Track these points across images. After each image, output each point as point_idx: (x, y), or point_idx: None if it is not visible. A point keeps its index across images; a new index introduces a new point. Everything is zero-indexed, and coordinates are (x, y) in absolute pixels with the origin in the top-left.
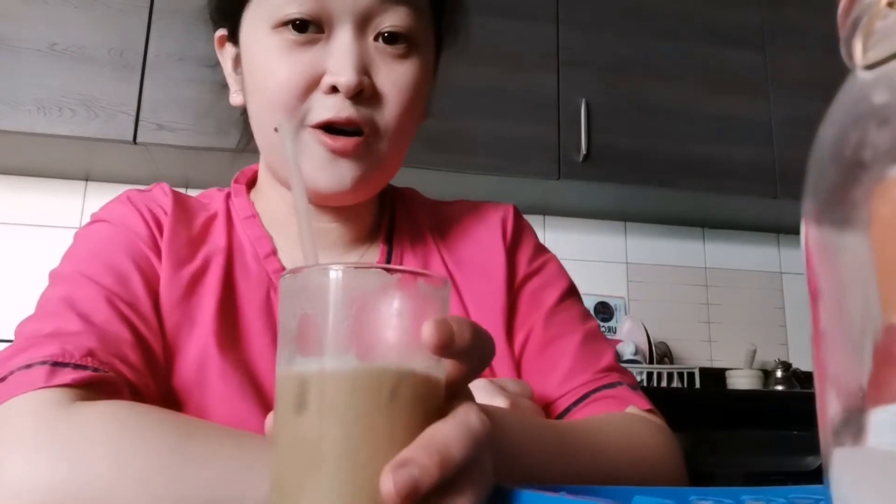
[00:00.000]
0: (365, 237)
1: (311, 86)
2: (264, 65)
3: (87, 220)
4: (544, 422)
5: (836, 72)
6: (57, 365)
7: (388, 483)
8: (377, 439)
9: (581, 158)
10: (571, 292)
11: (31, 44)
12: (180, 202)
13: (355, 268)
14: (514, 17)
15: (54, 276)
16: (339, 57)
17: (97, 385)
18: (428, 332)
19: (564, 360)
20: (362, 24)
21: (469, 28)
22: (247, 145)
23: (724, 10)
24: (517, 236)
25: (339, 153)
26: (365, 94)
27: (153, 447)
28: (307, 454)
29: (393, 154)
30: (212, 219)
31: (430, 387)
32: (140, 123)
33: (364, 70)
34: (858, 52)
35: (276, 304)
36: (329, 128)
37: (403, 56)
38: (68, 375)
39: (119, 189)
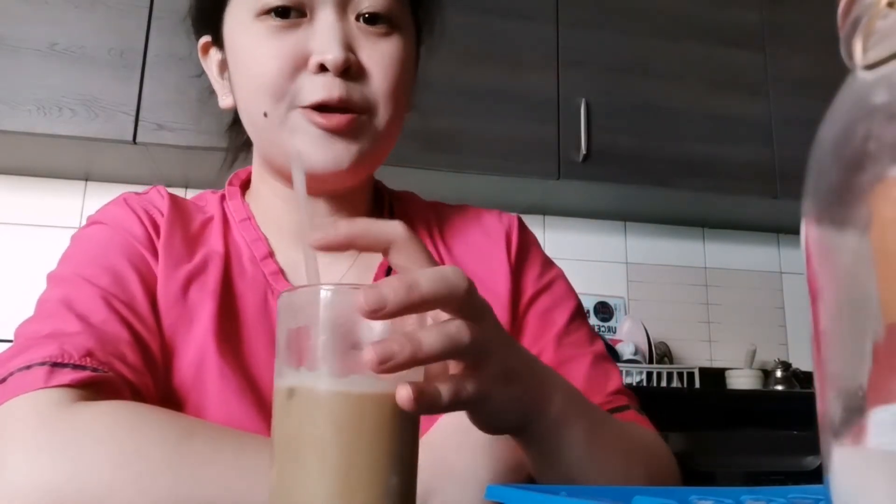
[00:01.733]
0: None
1: (298, 66)
2: (249, 52)
3: (87, 220)
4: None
5: (836, 72)
6: (56, 366)
7: (370, 354)
8: (343, 446)
9: (581, 158)
10: (579, 312)
11: (31, 44)
12: (176, 204)
13: (348, 287)
14: (514, 17)
15: (52, 278)
16: (323, 35)
17: (97, 385)
18: (360, 300)
19: (575, 384)
20: (342, 7)
21: (445, 19)
22: (233, 162)
23: (724, 10)
24: (523, 253)
25: (334, 131)
26: (352, 70)
27: (153, 448)
28: (291, 458)
29: (386, 131)
30: (208, 221)
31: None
32: (140, 123)
33: (349, 47)
34: (858, 52)
35: (273, 307)
36: (321, 108)
37: (385, 34)
38: (67, 376)
39: (119, 189)
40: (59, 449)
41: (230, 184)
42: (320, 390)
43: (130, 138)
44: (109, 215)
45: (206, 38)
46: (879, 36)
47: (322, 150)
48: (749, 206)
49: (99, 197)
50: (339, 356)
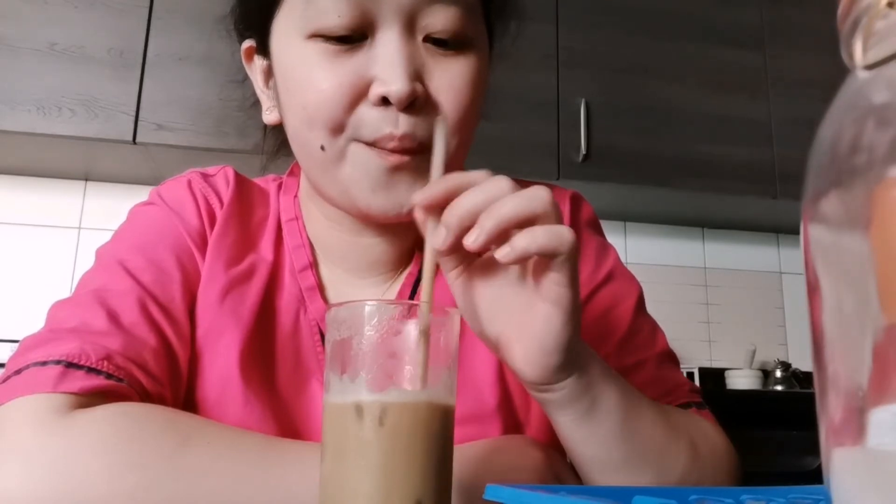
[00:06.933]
0: (409, 252)
1: (358, 96)
2: (302, 76)
3: (86, 220)
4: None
5: (836, 72)
6: (71, 366)
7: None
8: (360, 462)
9: (581, 158)
10: (641, 300)
11: (31, 44)
12: (241, 192)
13: (385, 302)
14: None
15: (99, 256)
16: (387, 62)
17: (105, 394)
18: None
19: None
20: (409, 25)
21: (522, 21)
22: (275, 155)
23: (724, 10)
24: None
25: (397, 168)
26: (418, 102)
27: (149, 459)
28: (337, 460)
29: (451, 164)
30: (264, 220)
31: (434, 410)
32: (140, 123)
33: (416, 75)
34: (858, 52)
35: (303, 325)
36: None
37: (457, 54)
38: (77, 382)
39: (118, 189)
40: (53, 461)
41: (291, 172)
42: (360, 398)
43: (130, 138)
44: (171, 196)
45: (249, 43)
46: (879, 36)
47: (383, 193)
48: (749, 206)
49: (99, 197)
50: (377, 366)
